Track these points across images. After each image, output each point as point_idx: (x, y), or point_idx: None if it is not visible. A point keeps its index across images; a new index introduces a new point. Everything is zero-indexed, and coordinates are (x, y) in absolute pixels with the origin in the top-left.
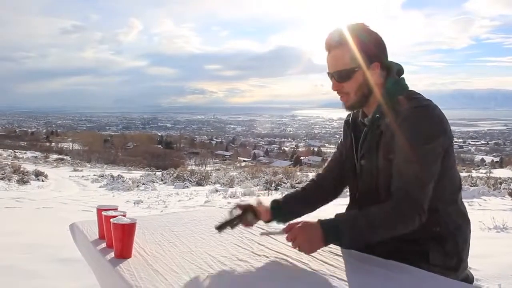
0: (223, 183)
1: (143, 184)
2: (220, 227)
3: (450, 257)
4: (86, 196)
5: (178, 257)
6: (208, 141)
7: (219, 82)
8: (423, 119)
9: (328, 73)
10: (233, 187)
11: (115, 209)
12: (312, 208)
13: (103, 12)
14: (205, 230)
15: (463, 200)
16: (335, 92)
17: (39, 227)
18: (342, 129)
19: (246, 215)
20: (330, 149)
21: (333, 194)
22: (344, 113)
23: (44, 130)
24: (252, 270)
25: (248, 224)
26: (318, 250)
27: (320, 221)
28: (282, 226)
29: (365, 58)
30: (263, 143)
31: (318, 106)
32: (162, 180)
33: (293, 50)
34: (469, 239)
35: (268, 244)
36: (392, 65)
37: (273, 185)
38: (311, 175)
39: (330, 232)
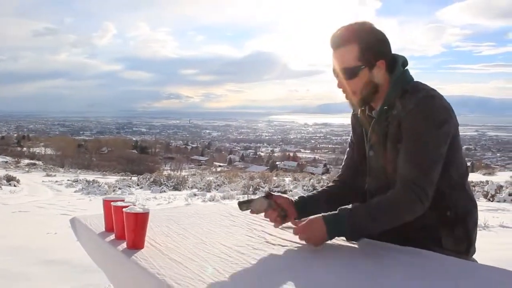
0: (201, 188)
1: (119, 188)
2: (243, 204)
3: (461, 241)
4: (62, 201)
5: (192, 247)
6: (184, 146)
7: (195, 87)
8: (430, 108)
9: (333, 71)
10: (210, 191)
11: (122, 200)
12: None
13: (77, 15)
14: (211, 223)
15: None
16: (340, 90)
17: (19, 231)
18: (316, 133)
19: (280, 211)
20: (305, 154)
21: (356, 190)
22: (316, 119)
23: (15, 135)
24: (271, 258)
25: (277, 222)
26: (336, 238)
27: (323, 216)
28: None
29: (370, 56)
30: (238, 148)
31: (293, 112)
32: (138, 185)
33: (269, 56)
34: (477, 223)
35: (279, 234)
36: (397, 58)
37: (250, 189)
38: (287, 179)
39: (332, 225)
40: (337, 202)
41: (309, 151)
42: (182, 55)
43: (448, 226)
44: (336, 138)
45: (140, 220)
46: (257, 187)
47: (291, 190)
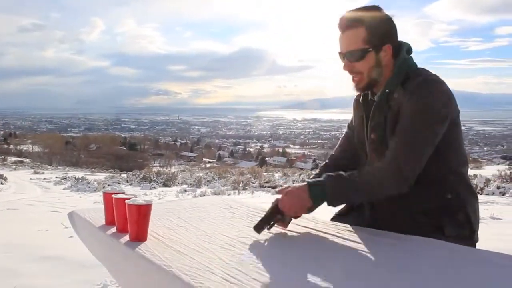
0: (191, 184)
1: (109, 185)
2: (258, 227)
3: (463, 227)
4: (51, 198)
5: (195, 239)
6: (173, 142)
7: (184, 83)
8: (430, 92)
9: (340, 53)
10: (200, 187)
11: (123, 193)
12: None
13: (64, 10)
14: (212, 215)
15: None
16: (347, 72)
17: (10, 228)
18: (305, 129)
19: (284, 216)
20: (295, 150)
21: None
22: (305, 115)
23: (2, 132)
24: (277, 248)
25: (284, 224)
26: (337, 227)
27: (307, 182)
28: None
29: (378, 39)
30: (228, 144)
31: (282, 107)
32: (128, 182)
33: (258, 52)
34: (478, 212)
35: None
36: (402, 45)
37: (241, 185)
38: (277, 175)
39: (314, 191)
40: None
41: (298, 147)
42: (170, 51)
43: (449, 212)
44: (325, 133)
45: (143, 211)
46: (248, 182)
47: (281, 185)
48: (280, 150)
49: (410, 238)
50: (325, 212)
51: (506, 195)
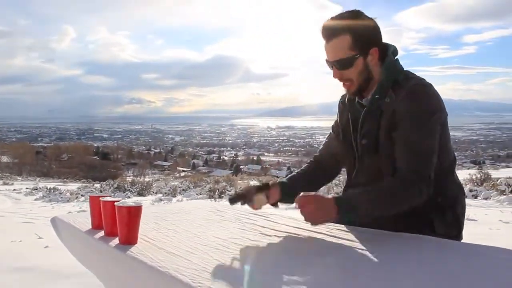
0: (166, 193)
1: (82, 195)
2: (233, 199)
3: (452, 226)
4: (22, 209)
5: (187, 241)
6: (146, 151)
7: (157, 91)
8: (423, 96)
9: (327, 62)
10: (176, 196)
11: (110, 196)
12: (317, 187)
13: (32, 17)
14: (200, 218)
15: None
16: (336, 79)
17: None
18: (279, 137)
19: (258, 195)
20: (269, 157)
21: (335, 173)
22: (279, 122)
23: None
24: (271, 248)
25: (257, 206)
26: (329, 227)
27: (334, 197)
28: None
29: (364, 44)
30: (202, 152)
31: (256, 115)
32: (101, 192)
33: (231, 59)
34: (465, 208)
35: (272, 226)
36: (388, 47)
37: (216, 193)
38: (252, 183)
39: (343, 208)
40: (314, 183)
41: (272, 154)
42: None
43: (439, 211)
44: (299, 141)
45: (134, 213)
46: (223, 190)
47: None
48: (255, 158)
49: (401, 235)
50: None
51: (478, 197)
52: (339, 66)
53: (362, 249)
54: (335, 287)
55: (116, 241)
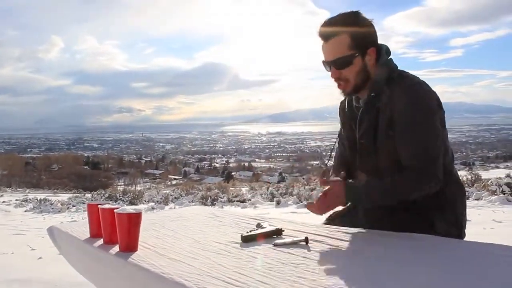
0: (158, 201)
1: (73, 206)
2: (247, 239)
3: (452, 224)
4: (13, 221)
5: (187, 247)
6: (137, 160)
7: (147, 100)
8: (422, 94)
9: (325, 62)
10: (168, 204)
11: (108, 203)
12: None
13: (20, 28)
14: (199, 224)
15: None
16: (333, 79)
17: None
18: (270, 143)
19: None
20: (260, 163)
21: None
22: (270, 128)
23: None
24: (275, 250)
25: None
26: (330, 230)
27: (345, 183)
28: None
29: (362, 44)
30: (193, 160)
31: (246, 121)
32: (93, 201)
33: (219, 66)
34: (466, 207)
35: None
36: (382, 46)
37: (209, 200)
38: (244, 189)
39: (351, 192)
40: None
41: (264, 161)
42: (131, 68)
43: (439, 210)
44: (290, 146)
45: (134, 220)
46: (216, 197)
47: (250, 199)
48: (246, 164)
49: (403, 235)
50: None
51: (470, 198)
52: (338, 65)
53: (363, 250)
54: None
55: (116, 249)
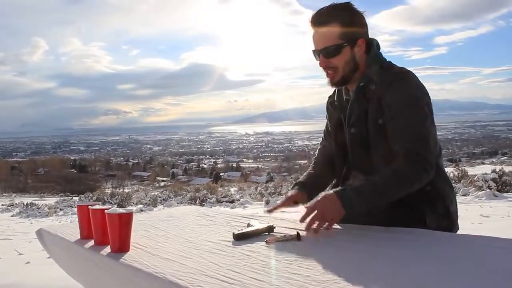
0: (146, 203)
1: (61, 209)
2: (239, 237)
3: (443, 218)
4: None
5: (179, 246)
6: (125, 162)
7: (133, 102)
8: (410, 83)
9: (315, 51)
10: (156, 206)
11: (98, 204)
12: (332, 178)
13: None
14: (189, 223)
15: None
16: (322, 68)
17: None
18: (258, 143)
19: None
20: (248, 164)
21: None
22: (257, 128)
23: None
24: (267, 248)
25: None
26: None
27: (335, 192)
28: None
29: (352, 34)
30: (181, 161)
31: (233, 122)
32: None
33: (206, 67)
34: (456, 201)
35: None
36: (372, 40)
37: (197, 201)
38: (233, 189)
39: (347, 200)
40: (327, 176)
41: (252, 161)
42: (117, 69)
43: (429, 203)
44: (278, 146)
45: (125, 220)
46: (204, 198)
47: (239, 200)
48: (234, 165)
49: (395, 230)
50: None
51: (457, 194)
52: (326, 53)
53: (356, 245)
54: (334, 285)
55: (107, 249)
